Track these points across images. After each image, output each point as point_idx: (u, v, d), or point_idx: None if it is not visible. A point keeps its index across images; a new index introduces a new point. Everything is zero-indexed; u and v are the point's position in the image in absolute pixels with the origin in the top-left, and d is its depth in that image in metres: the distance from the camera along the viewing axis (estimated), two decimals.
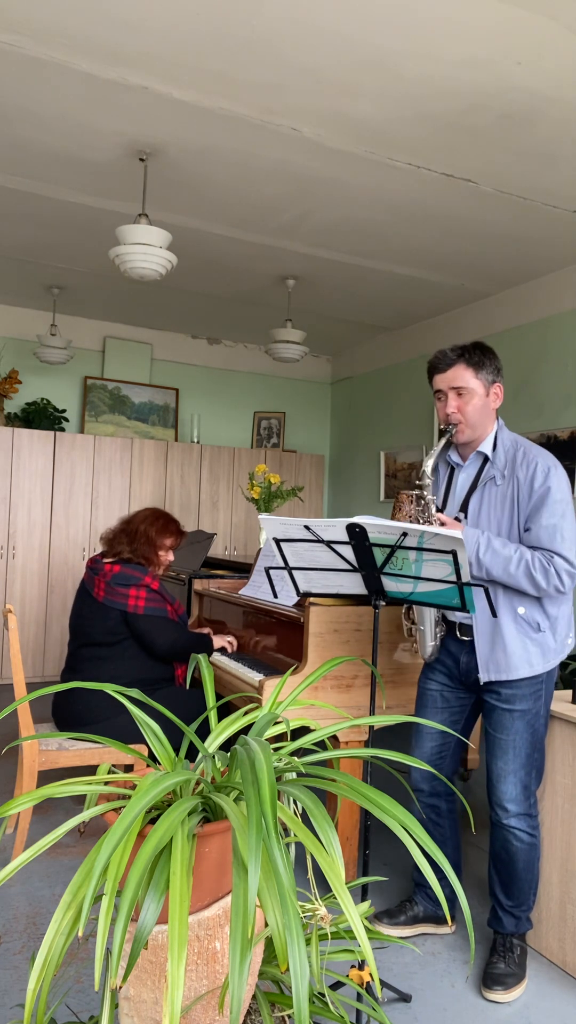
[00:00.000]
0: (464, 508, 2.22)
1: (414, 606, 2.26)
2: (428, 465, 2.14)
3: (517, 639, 2.10)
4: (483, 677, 2.14)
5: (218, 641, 3.20)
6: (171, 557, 3.19)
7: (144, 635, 2.95)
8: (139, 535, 3.07)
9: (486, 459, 2.20)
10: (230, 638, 3.24)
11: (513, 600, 2.12)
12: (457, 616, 2.23)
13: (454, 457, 2.29)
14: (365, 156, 3.42)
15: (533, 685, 2.14)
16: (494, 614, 2.06)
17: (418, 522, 2.13)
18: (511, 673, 2.10)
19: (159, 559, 3.11)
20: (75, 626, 3.07)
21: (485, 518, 2.16)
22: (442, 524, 2.10)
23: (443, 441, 2.18)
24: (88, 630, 2.99)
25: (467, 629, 2.19)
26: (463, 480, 2.26)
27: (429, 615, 2.23)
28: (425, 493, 2.15)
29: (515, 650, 2.10)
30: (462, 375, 2.15)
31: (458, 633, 2.23)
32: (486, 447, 2.20)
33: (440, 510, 2.26)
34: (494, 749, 2.18)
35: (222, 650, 3.20)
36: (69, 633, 3.11)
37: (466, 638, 2.20)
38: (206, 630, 3.40)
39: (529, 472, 2.10)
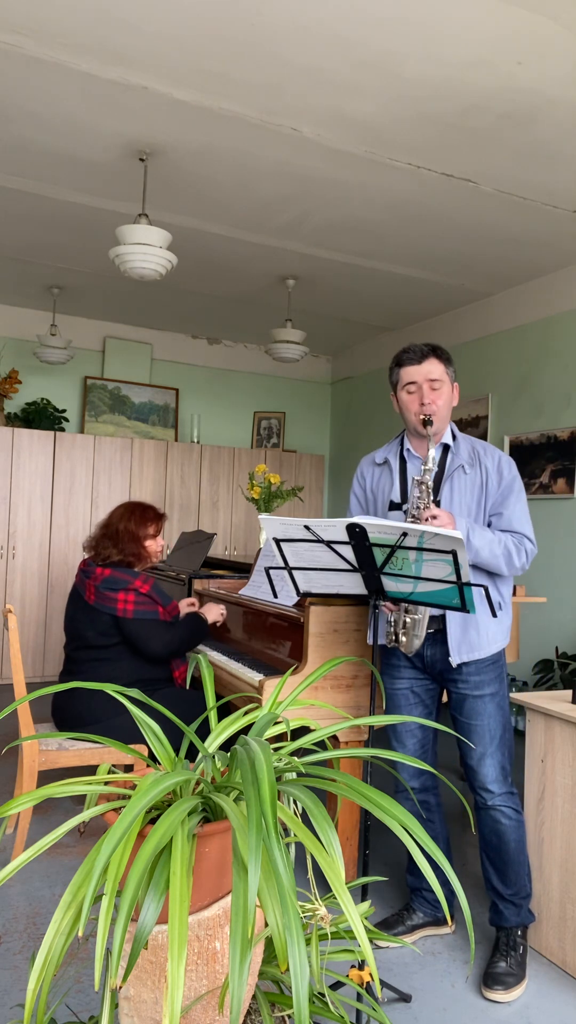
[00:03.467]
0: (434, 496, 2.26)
1: None
2: (432, 454, 2.15)
3: (486, 618, 2.19)
4: (455, 660, 2.18)
5: (211, 615, 3.18)
6: (161, 543, 3.14)
7: (135, 638, 2.93)
8: (121, 534, 3.03)
9: (446, 449, 2.27)
10: (221, 608, 3.23)
11: (483, 582, 2.17)
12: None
13: (409, 448, 2.32)
14: (365, 156, 3.42)
15: (496, 669, 2.23)
16: (494, 614, 2.06)
17: (419, 508, 2.17)
18: (484, 651, 2.18)
19: (147, 551, 3.08)
20: (69, 629, 3.06)
21: (457, 505, 2.23)
22: (435, 517, 2.10)
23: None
24: (82, 633, 2.98)
25: (432, 621, 2.21)
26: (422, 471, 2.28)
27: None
28: (427, 479, 2.18)
29: (486, 629, 2.19)
30: (436, 367, 2.21)
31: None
32: (447, 438, 2.29)
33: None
34: (469, 736, 2.22)
35: (214, 624, 3.20)
36: (65, 636, 3.10)
37: (430, 630, 2.22)
38: (190, 600, 3.35)
39: (496, 462, 2.24)
